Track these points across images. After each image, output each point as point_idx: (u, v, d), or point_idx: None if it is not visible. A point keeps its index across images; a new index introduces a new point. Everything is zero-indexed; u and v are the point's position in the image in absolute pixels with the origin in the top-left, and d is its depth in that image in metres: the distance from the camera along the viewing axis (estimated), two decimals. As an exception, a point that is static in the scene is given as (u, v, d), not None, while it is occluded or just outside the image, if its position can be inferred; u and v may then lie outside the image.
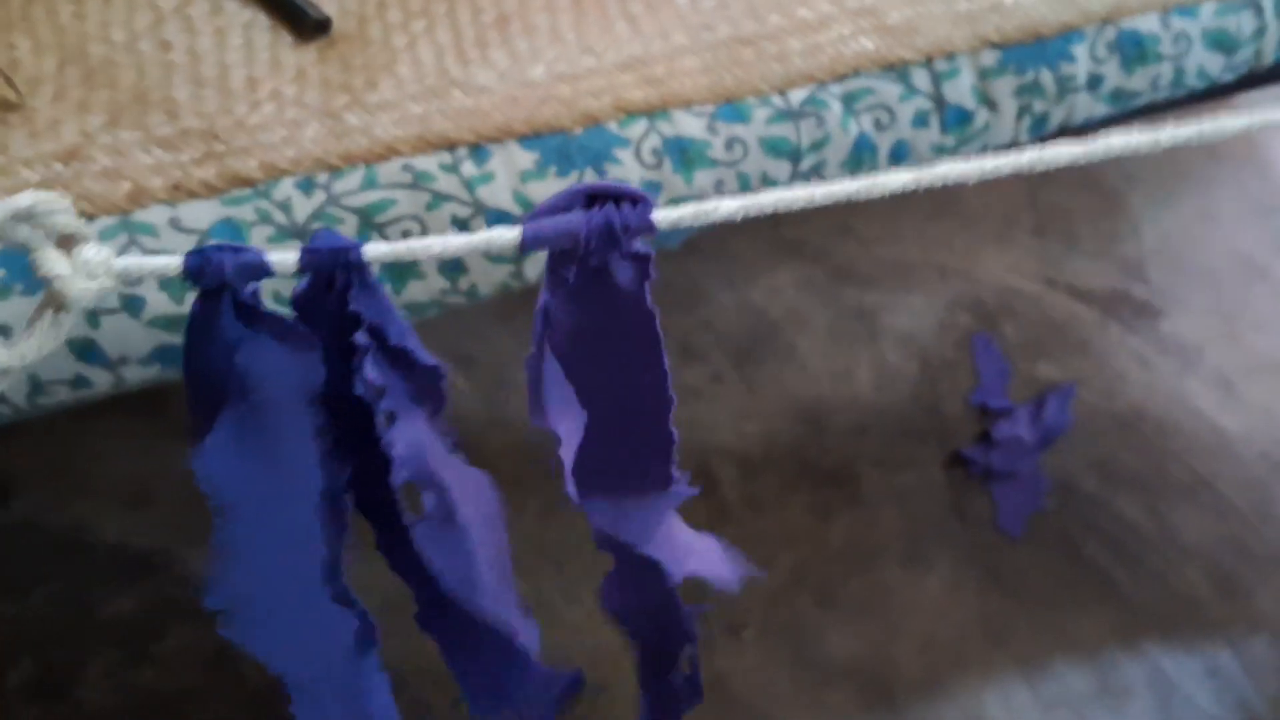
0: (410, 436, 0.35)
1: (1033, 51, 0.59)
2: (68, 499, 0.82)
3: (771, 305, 0.94)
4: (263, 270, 0.33)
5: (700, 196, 0.55)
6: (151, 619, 0.77)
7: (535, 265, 0.54)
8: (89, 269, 0.32)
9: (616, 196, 0.34)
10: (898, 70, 0.58)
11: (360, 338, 0.35)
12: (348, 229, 0.51)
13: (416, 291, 0.53)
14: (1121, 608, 0.84)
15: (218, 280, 0.33)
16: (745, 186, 0.57)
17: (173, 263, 0.33)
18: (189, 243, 0.49)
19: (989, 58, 0.58)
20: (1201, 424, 0.94)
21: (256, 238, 0.50)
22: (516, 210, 0.52)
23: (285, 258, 0.33)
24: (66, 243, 0.32)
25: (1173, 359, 0.98)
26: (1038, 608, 0.83)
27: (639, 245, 0.35)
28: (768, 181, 0.57)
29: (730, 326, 0.93)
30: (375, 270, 0.34)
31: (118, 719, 0.74)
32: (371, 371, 0.35)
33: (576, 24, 0.57)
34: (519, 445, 0.84)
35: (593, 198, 0.34)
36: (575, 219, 0.34)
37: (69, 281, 0.31)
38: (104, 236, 0.48)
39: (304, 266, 0.33)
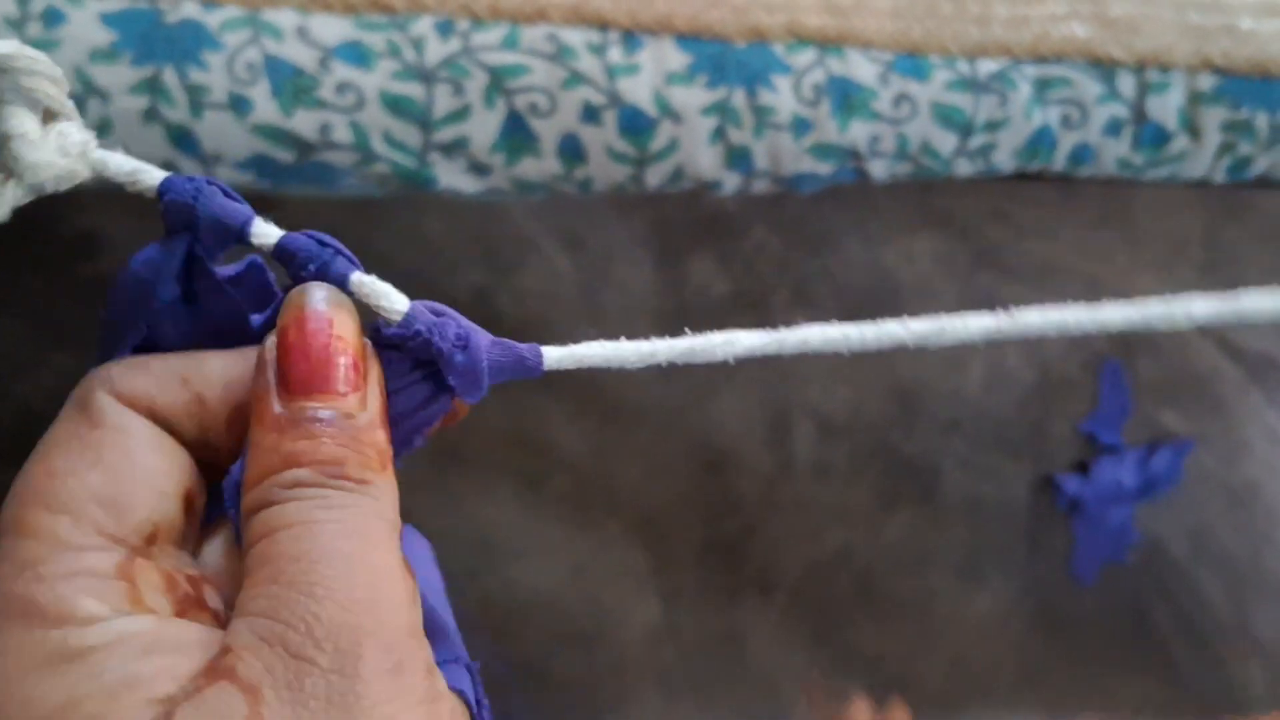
0: None
1: (1255, 89, 0.53)
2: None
3: (901, 270, 0.88)
4: (233, 232, 0.28)
5: (850, 148, 0.51)
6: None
7: (657, 174, 0.50)
8: (63, 144, 0.27)
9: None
10: (1104, 68, 0.52)
11: None
12: (476, 85, 0.48)
13: (529, 169, 0.50)
14: (1170, 684, 0.79)
15: (184, 217, 0.27)
16: (903, 149, 0.52)
17: (151, 175, 0.28)
18: (313, 57, 0.47)
19: (1206, 82, 0.52)
20: (1314, 520, 0.88)
21: (382, 70, 0.47)
22: (653, 112, 0.48)
23: (268, 231, 0.28)
24: (49, 118, 0.27)
25: (1306, 444, 0.91)
26: (1083, 661, 0.79)
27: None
28: (929, 151, 0.52)
29: (852, 280, 0.88)
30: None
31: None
32: None
33: (774, -71, 0.52)
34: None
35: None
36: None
37: (30, 146, 0.26)
38: (227, 27, 0.46)
39: (277, 255, 0.28)
